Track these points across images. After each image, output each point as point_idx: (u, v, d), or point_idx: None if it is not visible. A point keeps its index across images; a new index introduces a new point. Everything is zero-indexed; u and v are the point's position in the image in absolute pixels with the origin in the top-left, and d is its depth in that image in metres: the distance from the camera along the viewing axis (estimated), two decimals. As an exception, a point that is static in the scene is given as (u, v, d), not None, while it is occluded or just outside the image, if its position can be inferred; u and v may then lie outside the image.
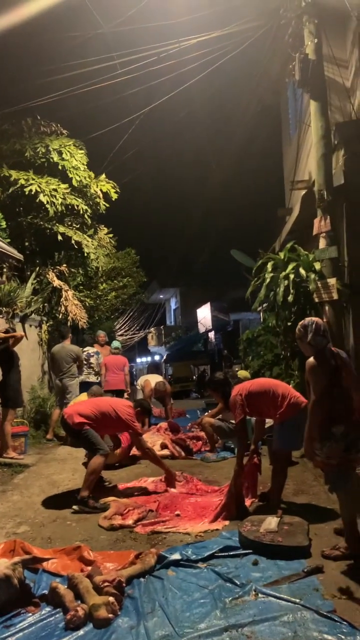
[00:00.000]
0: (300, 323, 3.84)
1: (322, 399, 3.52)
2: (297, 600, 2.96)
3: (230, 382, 5.49)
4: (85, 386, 9.15)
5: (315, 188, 6.38)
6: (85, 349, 10.20)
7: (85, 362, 9.75)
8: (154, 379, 10.23)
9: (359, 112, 6.88)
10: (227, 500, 4.58)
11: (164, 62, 8.07)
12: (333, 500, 4.85)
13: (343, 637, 2.61)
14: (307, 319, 3.84)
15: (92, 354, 10.04)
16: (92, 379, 9.88)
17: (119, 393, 9.74)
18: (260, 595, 3.08)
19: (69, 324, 11.11)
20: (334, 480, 3.58)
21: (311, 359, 3.67)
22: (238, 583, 3.22)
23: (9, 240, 10.82)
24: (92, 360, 9.96)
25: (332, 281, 5.98)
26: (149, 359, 42.00)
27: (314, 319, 3.80)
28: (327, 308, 6.09)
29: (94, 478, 5.23)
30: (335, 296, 5.94)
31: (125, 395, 10.27)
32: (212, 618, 2.88)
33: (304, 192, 7.82)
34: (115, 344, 11.10)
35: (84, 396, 7.37)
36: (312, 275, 6.32)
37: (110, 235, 15.05)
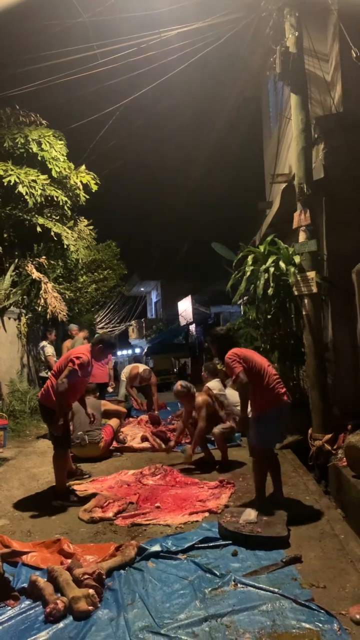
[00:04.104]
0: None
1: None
2: (276, 590, 3.00)
3: (232, 338, 5.06)
4: (42, 382, 8.80)
5: (295, 181, 6.40)
6: (41, 343, 9.85)
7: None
8: (141, 367, 10.12)
9: (339, 106, 6.91)
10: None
11: (145, 52, 7.98)
12: (311, 490, 4.93)
13: (320, 625, 2.66)
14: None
15: (43, 346, 9.62)
16: (44, 374, 9.54)
17: (103, 386, 9.67)
18: (239, 585, 3.11)
19: (48, 316, 11.00)
20: None
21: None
22: (217, 574, 3.26)
23: (-13, 232, 10.68)
24: (42, 353, 9.61)
25: (311, 274, 6.02)
26: (130, 351, 41.88)
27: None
28: (306, 301, 6.13)
29: (63, 471, 5.23)
30: (314, 289, 5.98)
31: (110, 388, 10.26)
32: (191, 608, 2.90)
33: (284, 185, 7.83)
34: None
35: None
36: (292, 269, 6.36)
37: (91, 227, 14.91)
